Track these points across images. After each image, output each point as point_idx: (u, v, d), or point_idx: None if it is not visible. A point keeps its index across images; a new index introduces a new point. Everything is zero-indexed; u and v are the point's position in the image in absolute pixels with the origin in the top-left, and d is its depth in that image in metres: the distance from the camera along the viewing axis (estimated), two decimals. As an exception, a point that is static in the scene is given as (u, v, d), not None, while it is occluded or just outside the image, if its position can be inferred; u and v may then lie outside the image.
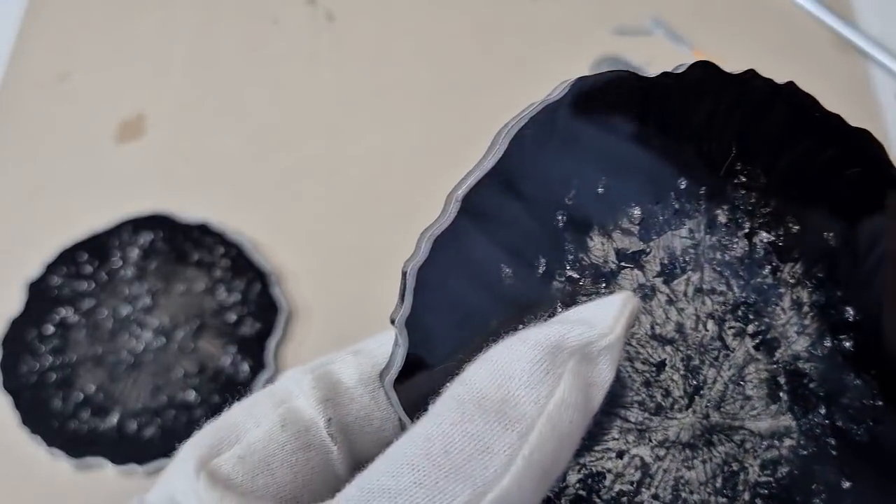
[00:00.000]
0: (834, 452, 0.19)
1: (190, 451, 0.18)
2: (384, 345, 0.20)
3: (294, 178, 0.49)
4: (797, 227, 0.19)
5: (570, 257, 0.18)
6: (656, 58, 0.52)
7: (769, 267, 0.19)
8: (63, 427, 0.40)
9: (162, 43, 0.55)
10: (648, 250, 0.19)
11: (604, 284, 0.18)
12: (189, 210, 0.47)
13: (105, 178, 0.49)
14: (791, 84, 0.20)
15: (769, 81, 0.19)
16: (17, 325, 0.43)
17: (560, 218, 0.18)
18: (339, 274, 0.45)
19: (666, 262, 0.19)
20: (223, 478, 0.17)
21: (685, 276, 0.19)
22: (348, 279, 0.45)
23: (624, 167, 0.18)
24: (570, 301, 0.18)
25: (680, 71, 0.19)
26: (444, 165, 0.51)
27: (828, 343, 0.19)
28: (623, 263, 0.18)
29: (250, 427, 0.18)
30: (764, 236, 0.19)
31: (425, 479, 0.14)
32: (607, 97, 0.18)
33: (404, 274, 0.18)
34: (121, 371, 0.42)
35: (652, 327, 0.19)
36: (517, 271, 0.18)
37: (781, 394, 0.19)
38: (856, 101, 0.50)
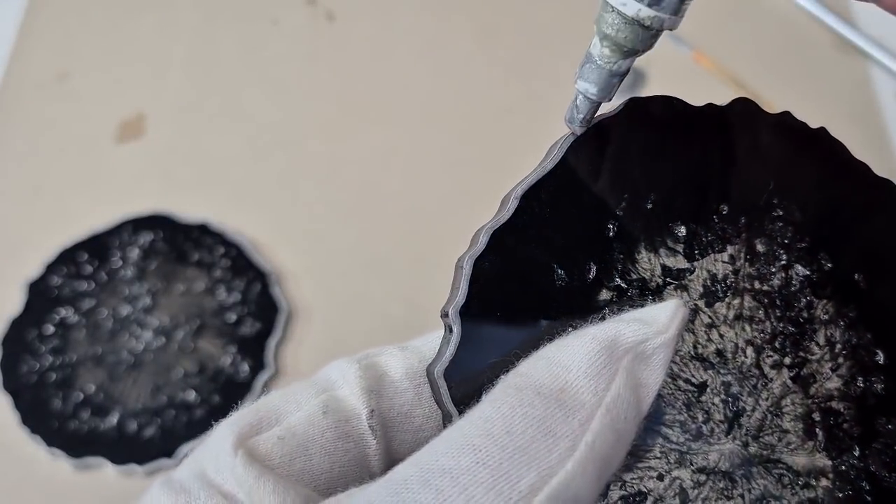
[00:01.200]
0: (869, 498, 0.19)
1: (227, 428, 0.17)
2: (431, 342, 0.20)
3: (294, 178, 0.49)
4: (830, 265, 0.20)
5: (620, 267, 0.19)
6: (656, 58, 0.52)
7: (804, 301, 0.20)
8: (63, 427, 0.40)
9: (162, 43, 0.55)
10: (693, 269, 0.19)
11: (650, 298, 0.19)
12: (189, 210, 0.47)
13: (105, 178, 0.49)
14: (823, 129, 0.20)
15: (804, 125, 0.20)
16: (17, 325, 0.43)
17: (611, 227, 0.19)
18: (339, 274, 0.45)
19: (708, 284, 0.19)
20: (261, 457, 0.17)
21: (726, 301, 0.19)
22: (348, 279, 0.45)
23: (671, 186, 0.19)
24: (617, 310, 0.18)
25: (723, 104, 0.20)
26: (444, 165, 0.51)
27: (860, 384, 0.19)
28: (668, 279, 0.19)
29: (291, 410, 0.18)
30: (800, 270, 0.20)
31: (489, 459, 0.13)
32: (657, 119, 0.19)
33: (459, 266, 0.18)
34: (121, 371, 0.42)
35: (695, 347, 0.19)
36: (569, 274, 0.18)
37: (817, 430, 0.19)
38: (856, 101, 0.50)
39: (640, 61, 0.55)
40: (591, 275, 0.18)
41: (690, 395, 0.19)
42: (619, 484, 0.18)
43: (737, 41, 0.53)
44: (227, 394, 0.41)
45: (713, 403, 0.19)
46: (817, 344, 0.19)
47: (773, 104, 0.50)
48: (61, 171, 0.49)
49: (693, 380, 0.19)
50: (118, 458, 0.39)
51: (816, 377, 0.19)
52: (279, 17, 0.55)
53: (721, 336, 0.19)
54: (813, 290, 0.20)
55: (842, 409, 0.19)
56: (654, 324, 0.15)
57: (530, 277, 0.18)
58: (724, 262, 0.19)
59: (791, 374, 0.19)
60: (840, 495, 0.19)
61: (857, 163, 0.20)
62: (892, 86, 0.51)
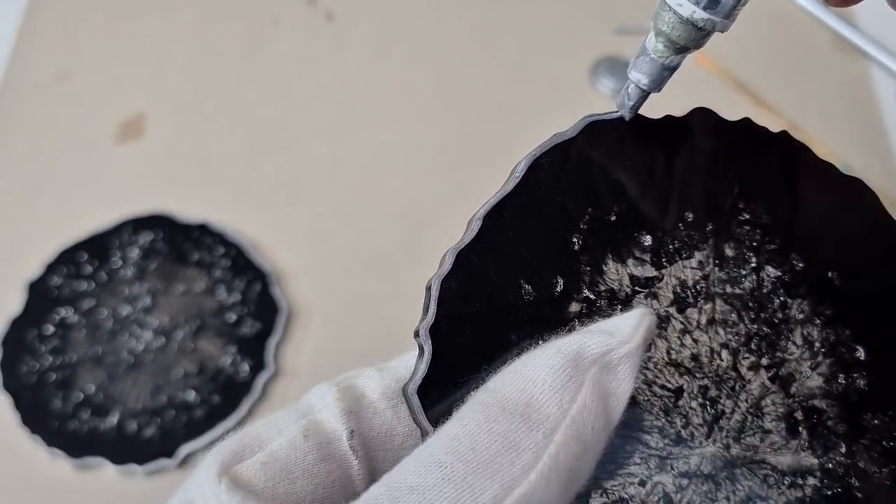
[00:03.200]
0: (859, 494, 0.19)
1: (212, 457, 0.18)
2: (407, 362, 0.21)
3: (294, 178, 0.49)
4: (801, 265, 0.20)
5: (587, 279, 0.19)
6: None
7: (778, 301, 0.20)
8: (63, 427, 0.40)
9: (162, 43, 0.55)
10: (661, 277, 0.20)
11: (619, 308, 0.19)
12: (189, 210, 0.47)
13: (105, 178, 0.49)
14: (785, 133, 0.21)
15: (765, 129, 0.21)
16: (17, 325, 0.43)
17: (576, 241, 0.19)
18: (339, 274, 0.45)
19: (678, 290, 0.20)
20: (245, 483, 0.17)
21: (697, 307, 0.19)
22: (348, 279, 0.45)
23: (633, 198, 0.20)
24: (586, 321, 0.19)
25: (682, 115, 0.20)
26: (444, 165, 0.51)
27: (842, 381, 0.19)
28: (637, 288, 0.19)
29: (273, 436, 0.18)
30: (771, 271, 0.20)
31: (453, 475, 0.14)
32: (616, 134, 0.20)
33: (428, 288, 0.19)
34: (121, 371, 0.42)
35: (668, 353, 0.19)
36: (537, 289, 0.19)
37: (801, 429, 0.19)
38: (856, 101, 0.50)
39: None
40: (559, 288, 0.19)
41: (667, 401, 0.19)
42: (601, 492, 0.18)
43: (737, 41, 0.53)
44: (227, 394, 0.41)
45: (691, 407, 0.19)
46: (794, 343, 0.20)
47: (773, 104, 0.50)
48: (61, 172, 0.49)
49: (669, 385, 0.19)
50: (118, 458, 0.39)
51: (796, 376, 0.19)
52: (279, 17, 0.55)
53: (695, 341, 0.19)
54: (786, 291, 0.20)
55: (824, 407, 0.19)
56: (619, 334, 0.15)
57: (498, 294, 0.19)
58: (692, 268, 0.20)
59: (769, 375, 0.19)
60: (829, 493, 0.19)
61: (822, 163, 0.21)
62: (892, 86, 0.51)
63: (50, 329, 0.43)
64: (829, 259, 0.20)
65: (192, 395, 0.41)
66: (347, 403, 0.19)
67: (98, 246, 0.45)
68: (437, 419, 0.18)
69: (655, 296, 0.19)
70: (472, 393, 0.16)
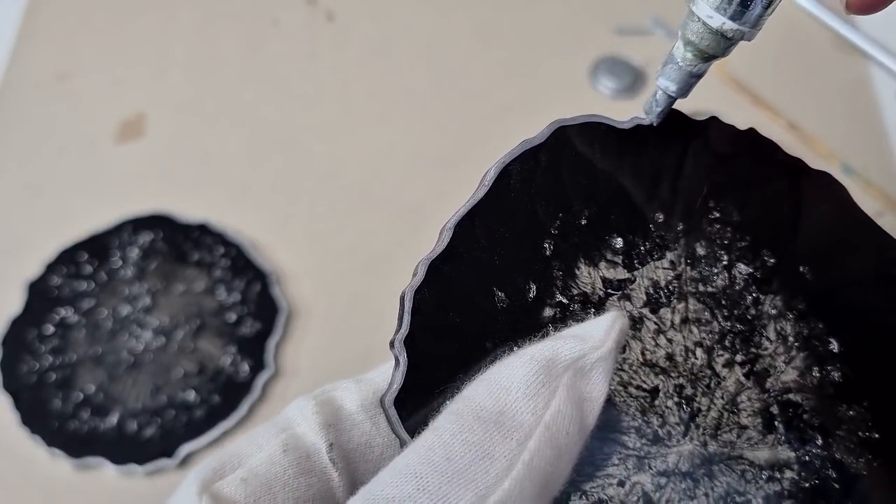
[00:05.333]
0: (836, 485, 0.19)
1: (193, 475, 0.18)
2: (384, 373, 0.21)
3: (294, 177, 0.49)
4: (773, 261, 0.20)
5: (560, 284, 0.19)
6: (656, 58, 0.52)
7: (750, 298, 0.20)
8: (63, 427, 0.40)
9: (162, 43, 0.55)
10: (633, 279, 0.20)
11: (593, 311, 0.19)
12: (189, 210, 0.47)
13: (105, 178, 0.49)
14: (752, 130, 0.21)
15: (731, 128, 0.21)
16: (17, 325, 0.43)
17: (548, 246, 0.19)
18: (339, 274, 0.45)
19: (651, 292, 0.20)
20: (226, 500, 0.18)
21: (671, 307, 0.20)
22: (348, 279, 0.45)
23: (603, 202, 0.20)
24: (561, 325, 0.19)
25: (650, 122, 0.20)
26: (444, 165, 0.51)
27: (816, 374, 0.20)
28: (610, 291, 0.20)
29: (253, 452, 0.19)
30: (742, 268, 0.20)
31: (428, 485, 0.14)
32: (585, 138, 0.20)
33: (402, 298, 0.19)
34: (120, 371, 0.42)
35: (643, 353, 0.19)
36: (510, 295, 0.19)
37: (777, 423, 0.19)
38: (856, 100, 0.50)
39: (640, 61, 0.55)
40: (532, 294, 0.19)
41: (643, 401, 0.19)
42: (580, 494, 0.18)
43: (737, 41, 0.53)
44: (226, 394, 0.41)
45: (667, 406, 0.19)
46: (768, 339, 0.20)
47: (773, 104, 0.50)
48: (61, 172, 0.49)
49: (644, 385, 0.19)
50: (118, 458, 0.39)
51: (771, 371, 0.20)
52: (279, 17, 0.55)
53: (669, 341, 0.19)
54: (758, 287, 0.20)
55: (800, 401, 0.19)
56: (591, 339, 0.16)
57: (471, 303, 0.19)
58: (664, 268, 0.20)
59: (744, 371, 0.20)
60: (807, 485, 0.19)
61: (791, 159, 0.21)
62: (892, 86, 0.51)
63: (50, 329, 0.43)
64: (800, 253, 0.20)
65: (191, 395, 0.41)
66: (326, 417, 0.19)
67: (98, 246, 0.45)
68: (414, 429, 0.18)
69: (628, 297, 0.20)
70: (448, 402, 0.16)
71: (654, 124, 0.20)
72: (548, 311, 0.19)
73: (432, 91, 0.52)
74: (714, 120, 0.21)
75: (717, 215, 0.20)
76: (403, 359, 0.18)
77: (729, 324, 0.20)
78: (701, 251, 0.20)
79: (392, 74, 0.53)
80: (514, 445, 0.14)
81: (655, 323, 0.20)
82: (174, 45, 0.54)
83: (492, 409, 0.15)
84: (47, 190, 0.49)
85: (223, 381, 0.41)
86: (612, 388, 0.19)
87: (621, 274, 0.20)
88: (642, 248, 0.20)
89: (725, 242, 0.20)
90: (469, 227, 0.19)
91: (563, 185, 0.20)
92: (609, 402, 0.18)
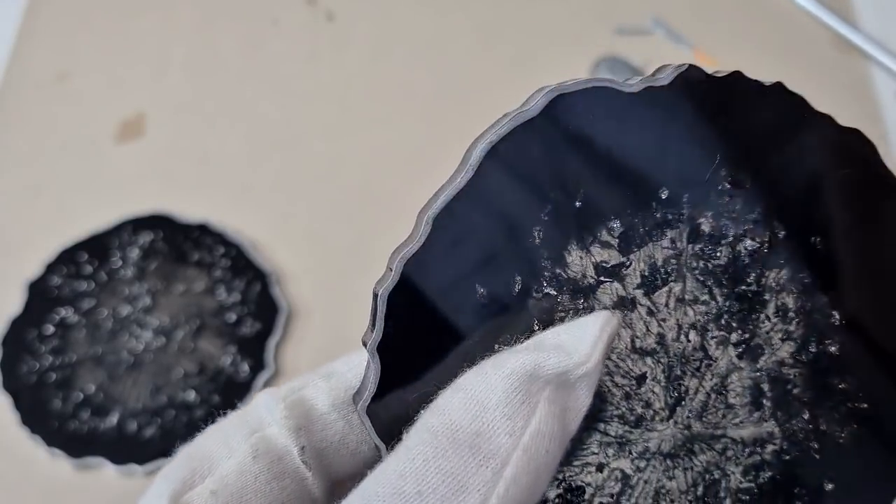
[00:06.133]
0: (817, 456, 0.19)
1: (162, 484, 0.17)
2: (356, 366, 0.20)
3: (294, 177, 0.49)
4: (783, 233, 0.19)
5: (547, 274, 0.18)
6: (656, 57, 0.52)
7: (754, 274, 0.19)
8: (63, 427, 0.40)
9: (162, 43, 0.55)
10: (629, 263, 0.18)
11: (581, 300, 0.18)
12: (189, 210, 0.47)
13: (105, 178, 0.49)
14: (779, 84, 0.19)
15: (755, 83, 0.18)
16: (17, 325, 0.43)
17: (536, 234, 0.18)
18: (338, 274, 0.45)
19: (647, 273, 0.18)
20: None
21: (667, 288, 0.18)
22: (348, 279, 0.45)
23: (602, 180, 0.18)
24: (547, 318, 0.18)
25: (662, 83, 0.18)
26: (444, 165, 0.51)
27: (813, 349, 0.19)
28: (602, 278, 0.18)
29: (222, 457, 0.18)
30: (749, 244, 0.19)
31: None
32: (585, 108, 0.18)
33: (375, 296, 0.17)
34: (121, 371, 0.42)
35: (632, 341, 0.18)
36: (492, 291, 0.18)
37: (764, 401, 0.19)
38: (856, 101, 0.50)
39: (640, 61, 0.55)
40: (517, 287, 0.18)
41: (629, 389, 0.18)
42: (556, 482, 0.18)
43: (737, 40, 0.53)
44: (227, 394, 0.41)
45: (653, 392, 0.18)
46: (767, 317, 0.19)
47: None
48: (61, 171, 0.49)
49: (632, 373, 0.18)
50: (118, 458, 0.39)
51: (765, 349, 0.19)
52: (279, 16, 0.55)
53: (661, 323, 0.18)
54: (763, 262, 0.19)
55: (792, 376, 0.19)
56: (576, 352, 0.15)
57: (450, 301, 0.17)
58: (664, 247, 0.18)
59: (738, 351, 0.19)
60: (787, 458, 0.19)
61: (818, 115, 0.19)
62: (892, 86, 0.51)
63: (50, 329, 0.43)
64: (814, 222, 0.19)
65: (192, 395, 0.41)
66: (296, 420, 0.19)
67: (98, 246, 0.45)
68: (389, 433, 0.17)
69: (622, 280, 0.18)
70: (423, 411, 0.15)
71: (668, 84, 0.17)
72: (533, 305, 0.18)
73: (433, 91, 0.52)
74: (737, 74, 0.18)
75: (728, 186, 0.18)
76: (376, 364, 0.17)
77: (728, 303, 0.18)
78: (706, 227, 0.18)
79: (392, 74, 0.53)
80: (490, 476, 0.14)
81: (648, 307, 0.18)
82: (174, 44, 0.54)
83: (468, 430, 0.14)
84: (47, 190, 0.49)
85: (223, 381, 0.41)
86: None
87: (615, 258, 0.18)
88: (642, 228, 0.18)
89: (733, 215, 0.18)
90: (449, 217, 0.17)
91: (558, 163, 0.18)
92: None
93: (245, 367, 0.42)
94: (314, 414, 0.19)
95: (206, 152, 0.50)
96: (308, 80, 0.53)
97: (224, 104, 0.52)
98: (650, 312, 0.18)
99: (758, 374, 0.19)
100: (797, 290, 0.19)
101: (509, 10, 0.55)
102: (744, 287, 0.19)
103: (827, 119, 0.19)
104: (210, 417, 0.41)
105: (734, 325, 0.19)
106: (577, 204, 0.18)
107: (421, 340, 0.17)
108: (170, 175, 0.49)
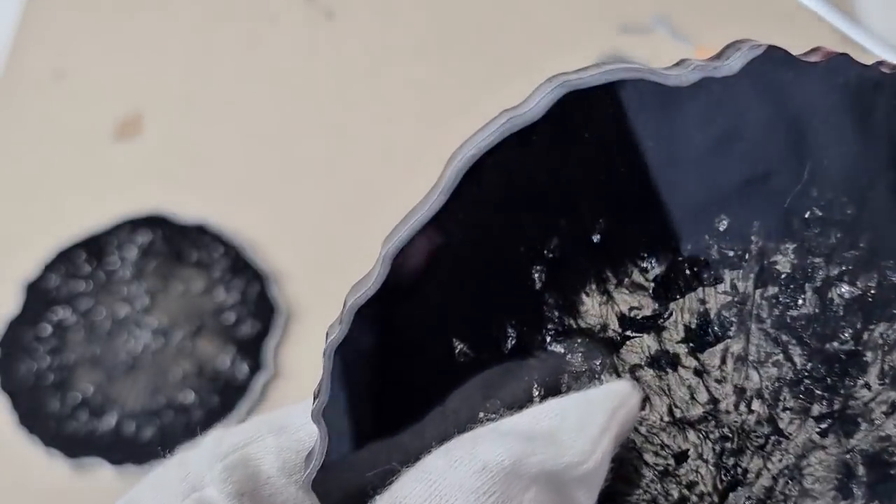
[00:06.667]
0: None
1: None
2: (311, 425, 0.17)
3: (293, 177, 0.48)
4: None
5: (552, 326, 0.14)
6: (659, 56, 0.51)
7: (850, 331, 0.14)
8: (61, 428, 0.40)
9: (160, 41, 0.54)
10: (667, 312, 0.14)
11: (599, 360, 0.14)
12: (187, 209, 0.46)
13: (103, 177, 0.49)
14: (884, 63, 0.13)
15: (858, 66, 0.13)
16: (15, 325, 0.43)
17: (537, 276, 0.14)
18: (338, 274, 0.45)
19: (694, 326, 0.14)
20: None
21: (723, 345, 0.14)
22: (348, 280, 0.45)
23: (631, 205, 0.14)
24: (551, 383, 0.14)
25: (728, 71, 0.13)
26: (444, 163, 0.51)
27: None
28: (630, 332, 0.14)
29: None
30: (846, 290, 0.14)
31: None
32: (609, 106, 0.13)
33: (324, 355, 0.14)
34: (119, 372, 0.41)
35: (670, 411, 0.14)
36: (475, 346, 0.14)
37: (854, 487, 0.14)
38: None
39: (642, 59, 0.55)
40: (510, 342, 0.14)
41: (665, 467, 0.14)
42: None
43: (740, 38, 0.52)
44: (225, 395, 0.41)
45: (698, 473, 0.14)
46: (866, 384, 0.14)
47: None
48: (59, 171, 0.49)
49: (670, 448, 0.14)
50: (116, 458, 0.39)
51: (862, 424, 0.14)
52: (278, 14, 0.55)
53: (709, 389, 0.14)
54: (866, 314, 0.14)
55: None
56: (573, 448, 0.12)
57: (418, 358, 0.14)
58: (720, 293, 0.14)
59: (822, 427, 0.14)
60: None
61: None
62: (896, 84, 0.50)
63: (48, 329, 0.43)
64: None
65: (190, 397, 0.41)
66: (239, 485, 0.16)
67: (96, 246, 0.45)
68: None
69: (658, 332, 0.14)
70: (379, 496, 0.13)
71: (735, 73, 0.13)
72: (533, 363, 0.14)
73: (433, 90, 0.52)
74: (843, 59, 0.13)
75: (819, 212, 0.14)
76: (324, 433, 0.14)
77: (809, 366, 0.14)
78: (784, 267, 0.14)
79: (392, 73, 0.52)
80: None
81: (695, 367, 0.14)
82: (172, 43, 0.54)
83: None
84: (45, 189, 0.48)
85: (222, 382, 0.41)
86: (618, 454, 0.13)
87: (648, 306, 0.14)
88: (688, 270, 0.14)
89: (826, 252, 0.14)
90: (414, 254, 0.14)
91: (569, 179, 0.13)
92: (610, 470, 0.13)
93: (244, 368, 0.41)
94: (260, 478, 0.16)
95: (204, 151, 0.50)
96: (307, 78, 0.52)
97: (222, 103, 0.51)
98: (697, 373, 0.14)
99: (848, 454, 0.14)
100: None
101: (511, 6, 0.55)
102: (836, 345, 0.14)
103: None
104: (209, 418, 0.41)
105: (817, 393, 0.14)
106: (596, 237, 0.14)
107: (379, 405, 0.14)
108: (168, 174, 0.49)
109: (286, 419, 0.17)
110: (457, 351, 0.14)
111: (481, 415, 0.14)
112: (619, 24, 0.54)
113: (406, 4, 0.55)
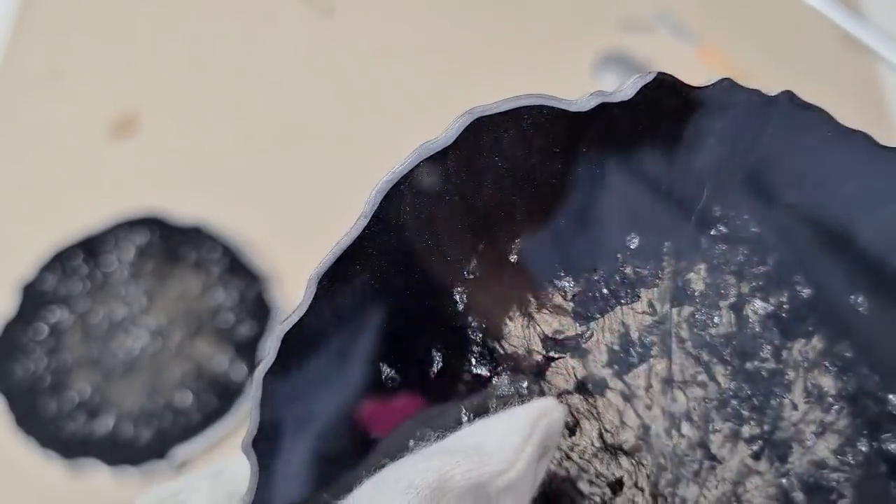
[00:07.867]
0: None
1: None
2: (246, 468, 0.18)
3: (291, 177, 0.48)
4: (808, 291, 0.14)
5: (476, 349, 0.14)
6: (660, 54, 0.51)
7: (769, 347, 0.14)
8: (57, 429, 0.40)
9: (157, 39, 0.54)
10: (589, 334, 0.14)
11: (525, 383, 0.14)
12: (185, 210, 0.46)
13: (100, 177, 0.48)
14: (789, 94, 0.14)
15: (755, 94, 0.14)
16: (11, 327, 0.42)
17: (458, 297, 0.14)
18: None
19: (616, 346, 0.14)
20: None
21: (646, 365, 0.14)
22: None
23: (546, 223, 0.14)
24: (479, 407, 0.14)
25: (623, 97, 0.13)
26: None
27: (863, 446, 0.14)
28: (553, 353, 0.14)
29: None
30: (759, 306, 0.14)
31: None
32: (516, 131, 0.14)
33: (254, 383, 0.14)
34: (116, 373, 0.41)
35: (601, 436, 0.14)
36: (402, 370, 0.14)
37: None
38: (863, 98, 0.50)
39: (643, 57, 0.54)
40: (437, 366, 0.14)
41: (600, 499, 0.14)
42: None
43: (742, 36, 0.52)
44: (222, 396, 0.40)
45: (634, 503, 0.14)
46: (792, 403, 0.14)
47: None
48: (55, 171, 0.49)
49: (604, 477, 0.14)
50: (113, 460, 0.39)
51: (793, 446, 0.14)
52: (277, 11, 0.55)
53: (638, 413, 0.14)
54: (783, 330, 0.14)
55: (836, 482, 0.14)
56: (494, 458, 0.12)
57: (346, 385, 0.14)
58: (639, 312, 0.14)
59: (754, 449, 0.14)
60: None
61: (846, 132, 0.14)
62: (900, 82, 0.50)
63: (44, 331, 0.42)
64: (852, 277, 0.14)
65: (188, 398, 0.40)
66: None
67: (93, 246, 0.45)
68: None
69: (582, 355, 0.14)
70: None
71: (630, 98, 0.13)
72: (461, 389, 0.14)
73: (433, 88, 0.51)
74: (726, 83, 0.14)
75: (724, 229, 0.14)
76: (254, 464, 0.14)
77: (733, 385, 0.14)
78: (697, 284, 0.14)
79: (392, 70, 0.52)
80: None
81: (621, 391, 0.14)
82: (169, 40, 0.54)
83: None
84: (41, 189, 0.48)
85: (219, 383, 0.41)
86: (550, 484, 0.13)
87: (570, 328, 0.14)
88: (605, 288, 0.14)
89: (734, 268, 0.14)
90: (340, 278, 0.14)
91: (482, 205, 0.14)
92: (543, 499, 0.13)
93: (242, 370, 0.41)
94: None
95: (202, 151, 0.49)
96: (306, 76, 0.52)
97: (220, 101, 0.51)
98: (625, 398, 0.14)
99: (784, 478, 0.14)
100: (837, 368, 0.14)
101: (512, 4, 0.55)
102: (756, 363, 0.14)
103: (861, 136, 0.15)
104: (206, 420, 0.41)
105: (745, 414, 0.14)
106: (513, 256, 0.14)
107: (308, 434, 0.14)
108: (165, 174, 0.48)
109: (228, 464, 0.17)
110: (384, 376, 0.14)
111: (411, 443, 0.14)
112: (621, 22, 0.53)
113: (406, 2, 0.55)
